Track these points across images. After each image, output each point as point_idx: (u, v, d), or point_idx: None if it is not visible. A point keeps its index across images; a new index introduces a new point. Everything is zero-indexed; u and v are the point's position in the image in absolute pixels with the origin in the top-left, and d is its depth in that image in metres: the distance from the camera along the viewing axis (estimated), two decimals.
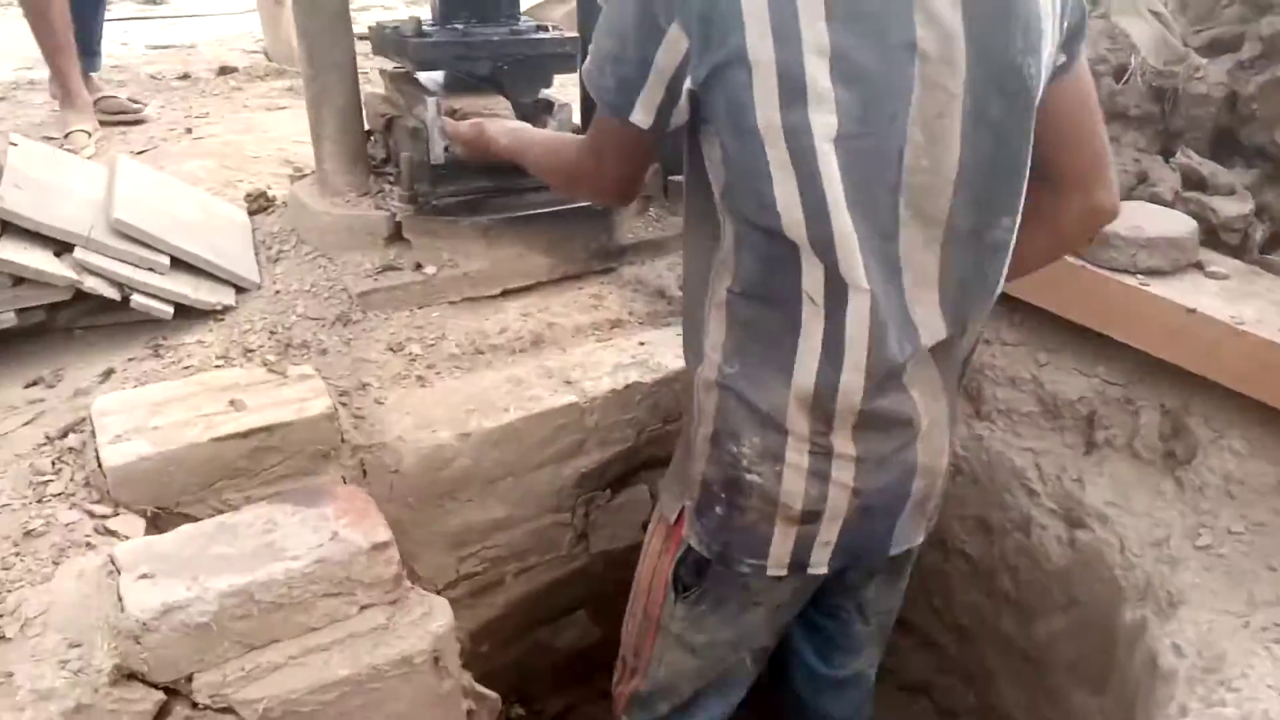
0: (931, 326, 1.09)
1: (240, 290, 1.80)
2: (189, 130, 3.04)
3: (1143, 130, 2.00)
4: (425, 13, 1.96)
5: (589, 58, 1.10)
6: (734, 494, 1.16)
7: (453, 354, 1.73)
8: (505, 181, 1.90)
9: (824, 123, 0.97)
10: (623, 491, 1.81)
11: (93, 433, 1.37)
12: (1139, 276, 1.71)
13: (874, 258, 1.02)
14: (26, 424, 1.48)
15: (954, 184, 1.03)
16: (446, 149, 1.72)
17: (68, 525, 1.27)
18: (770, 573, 1.20)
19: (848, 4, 0.95)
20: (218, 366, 1.61)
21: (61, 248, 1.64)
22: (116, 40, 5.09)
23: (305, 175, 2.12)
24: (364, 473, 1.53)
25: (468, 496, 1.62)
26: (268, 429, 1.40)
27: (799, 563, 1.19)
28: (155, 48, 5.00)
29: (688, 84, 1.01)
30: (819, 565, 1.19)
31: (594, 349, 1.79)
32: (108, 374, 1.60)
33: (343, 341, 1.69)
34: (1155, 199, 1.89)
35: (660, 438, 1.79)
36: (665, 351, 1.77)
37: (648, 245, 2.04)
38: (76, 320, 1.71)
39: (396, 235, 1.86)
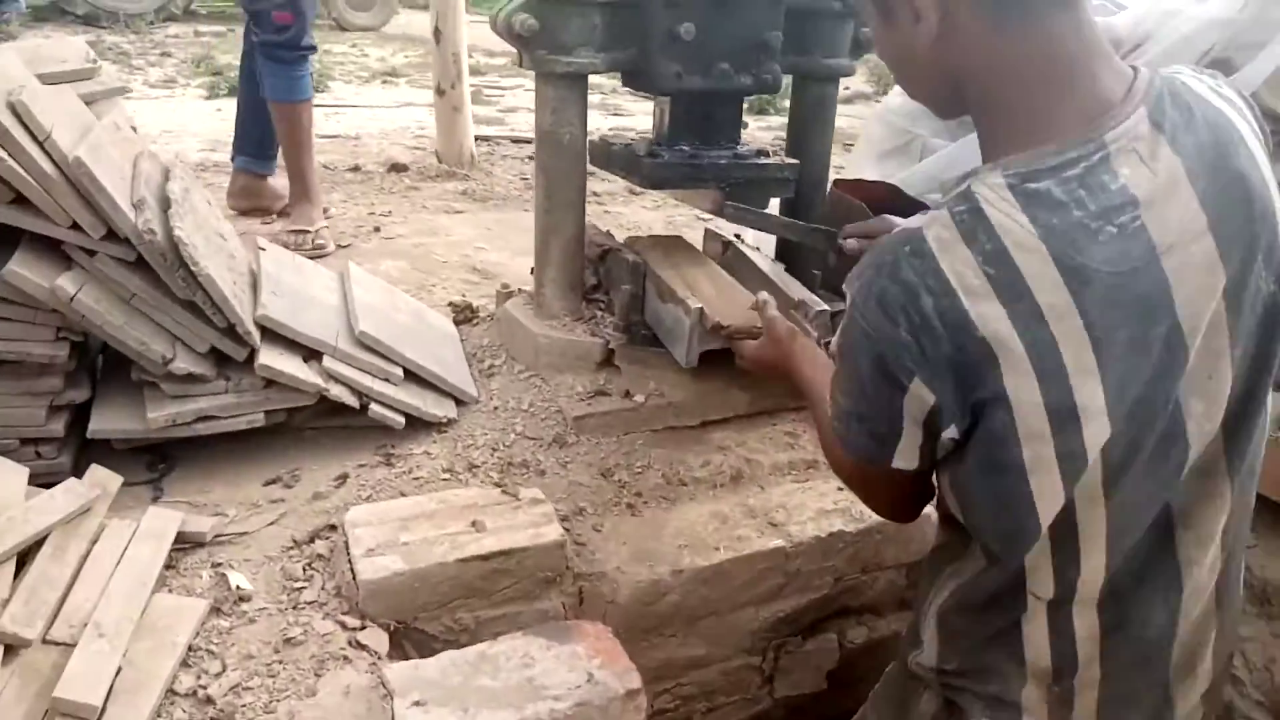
0: None
1: (459, 403, 1.89)
2: (376, 229, 3.23)
3: None
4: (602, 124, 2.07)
5: (833, 422, 1.03)
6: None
7: (658, 484, 1.78)
8: None
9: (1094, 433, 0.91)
10: (812, 638, 1.81)
11: (345, 543, 1.43)
12: None
13: None
14: (271, 524, 1.57)
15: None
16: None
17: (324, 636, 1.33)
18: None
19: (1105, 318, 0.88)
20: (444, 480, 1.69)
21: (309, 354, 1.75)
22: None
23: (512, 292, 2.22)
24: (580, 600, 1.56)
25: (672, 632, 1.64)
26: (506, 553, 1.45)
27: None
28: (322, 137, 5.34)
29: (949, 433, 0.93)
30: None
31: (793, 490, 1.82)
32: (342, 479, 1.68)
33: (559, 464, 1.75)
34: None
35: (855, 587, 1.80)
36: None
37: None
38: (309, 421, 1.81)
39: (607, 361, 1.93)
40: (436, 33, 4.02)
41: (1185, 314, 0.89)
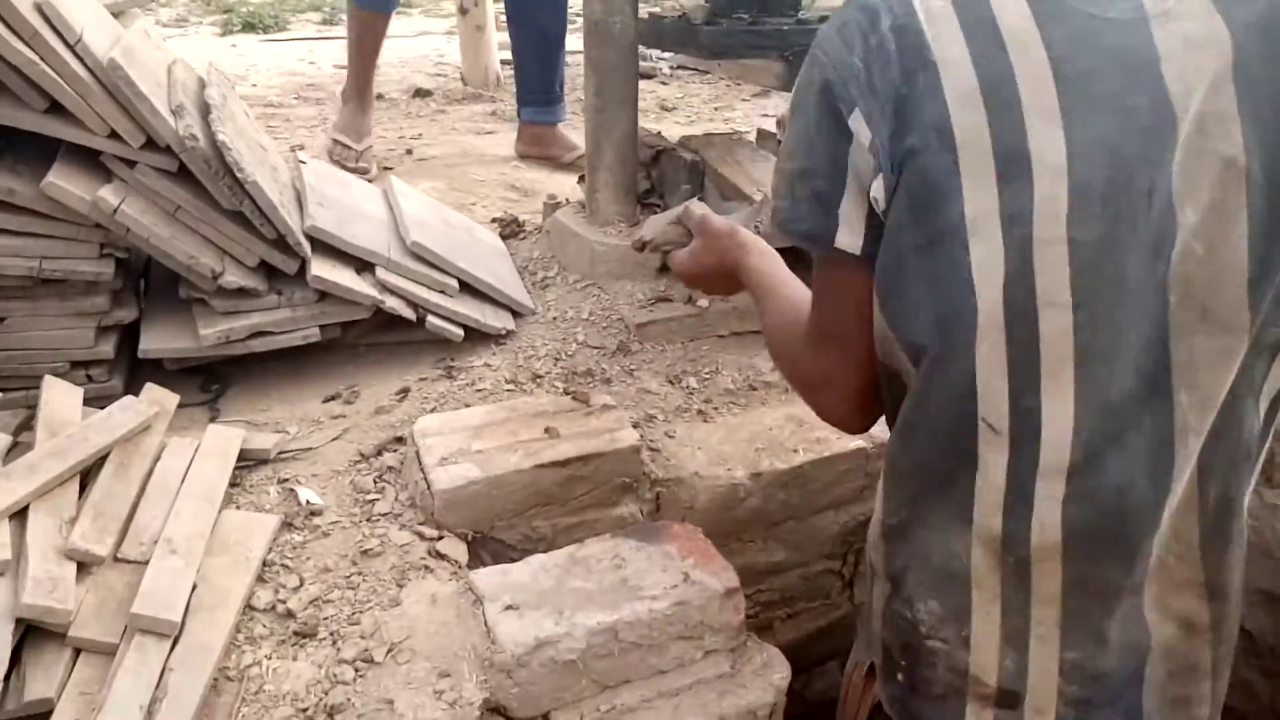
0: None
1: (516, 315, 1.82)
2: (409, 152, 3.14)
3: None
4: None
5: (773, 204, 0.90)
6: (916, 663, 0.93)
7: (728, 389, 1.71)
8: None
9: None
10: None
11: (416, 454, 1.38)
12: None
13: None
14: (335, 439, 1.51)
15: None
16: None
17: (402, 546, 1.28)
18: None
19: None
20: (508, 391, 1.62)
21: (362, 266, 1.68)
22: (304, 60, 5.32)
23: (559, 203, 2.13)
24: (658, 506, 1.50)
25: (751, 538, 1.59)
26: (583, 459, 1.39)
27: None
28: (342, 67, 5.20)
29: (875, 189, 0.82)
30: None
31: None
32: (404, 393, 1.62)
33: (625, 371, 1.68)
34: None
35: None
36: None
37: None
38: (364, 336, 1.75)
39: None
40: None
41: (1175, 91, 0.76)
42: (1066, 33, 0.77)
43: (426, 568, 1.25)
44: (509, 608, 1.10)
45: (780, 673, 1.18)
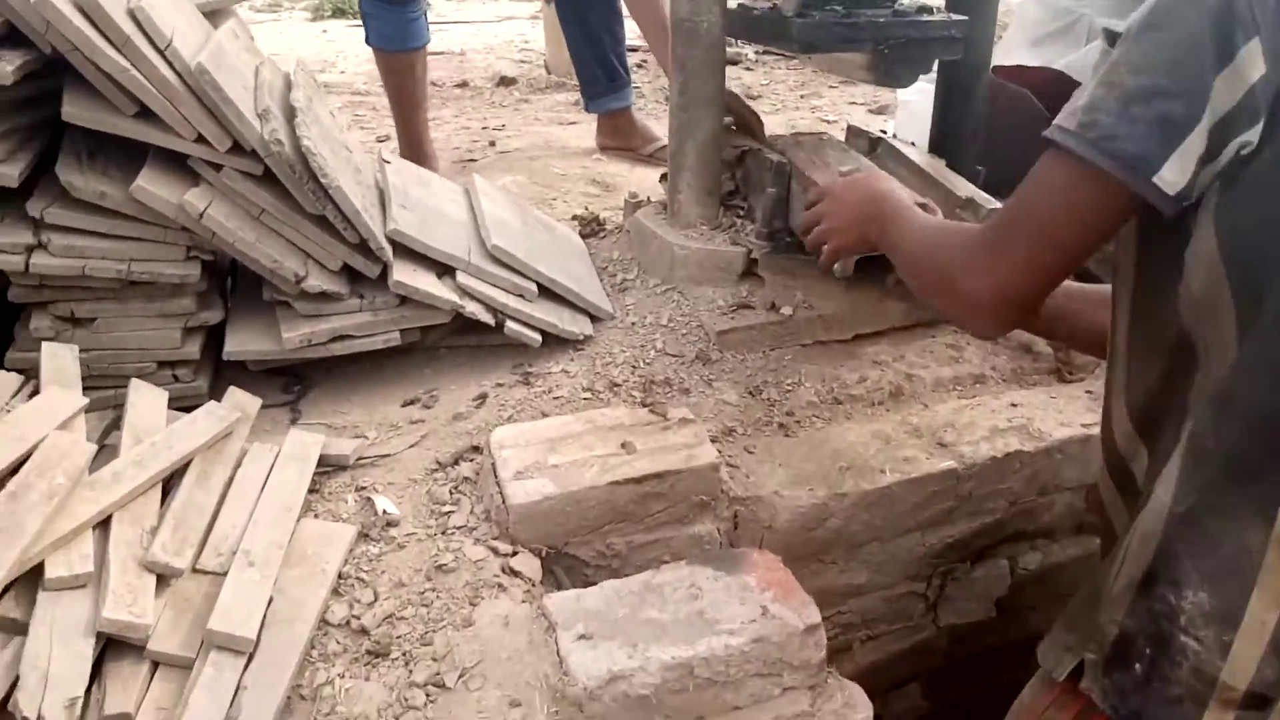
0: None
1: (594, 319, 1.79)
2: (491, 143, 3.13)
3: None
4: None
5: (1087, 116, 0.85)
6: (1162, 653, 0.91)
7: (811, 401, 1.65)
8: None
9: None
10: (981, 564, 1.68)
11: (493, 466, 1.36)
12: None
13: None
14: (412, 446, 1.50)
15: None
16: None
17: (476, 562, 1.26)
18: None
19: None
20: (585, 399, 1.60)
21: (443, 270, 1.67)
22: None
23: (641, 202, 2.09)
24: (735, 525, 1.46)
25: (832, 559, 1.53)
26: (659, 476, 1.35)
27: None
28: (429, 54, 5.24)
29: (1246, 137, 0.80)
30: None
31: (960, 407, 1.67)
32: (481, 399, 1.60)
33: (704, 381, 1.64)
34: None
35: (1031, 510, 1.65)
36: (1044, 416, 1.63)
37: None
38: (443, 340, 1.74)
39: (749, 272, 1.80)
40: None
41: None
42: None
43: (500, 585, 1.23)
44: (582, 637, 1.08)
45: (862, 713, 1.13)
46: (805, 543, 1.48)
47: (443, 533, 1.32)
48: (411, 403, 1.62)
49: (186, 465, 1.28)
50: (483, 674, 1.08)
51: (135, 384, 1.39)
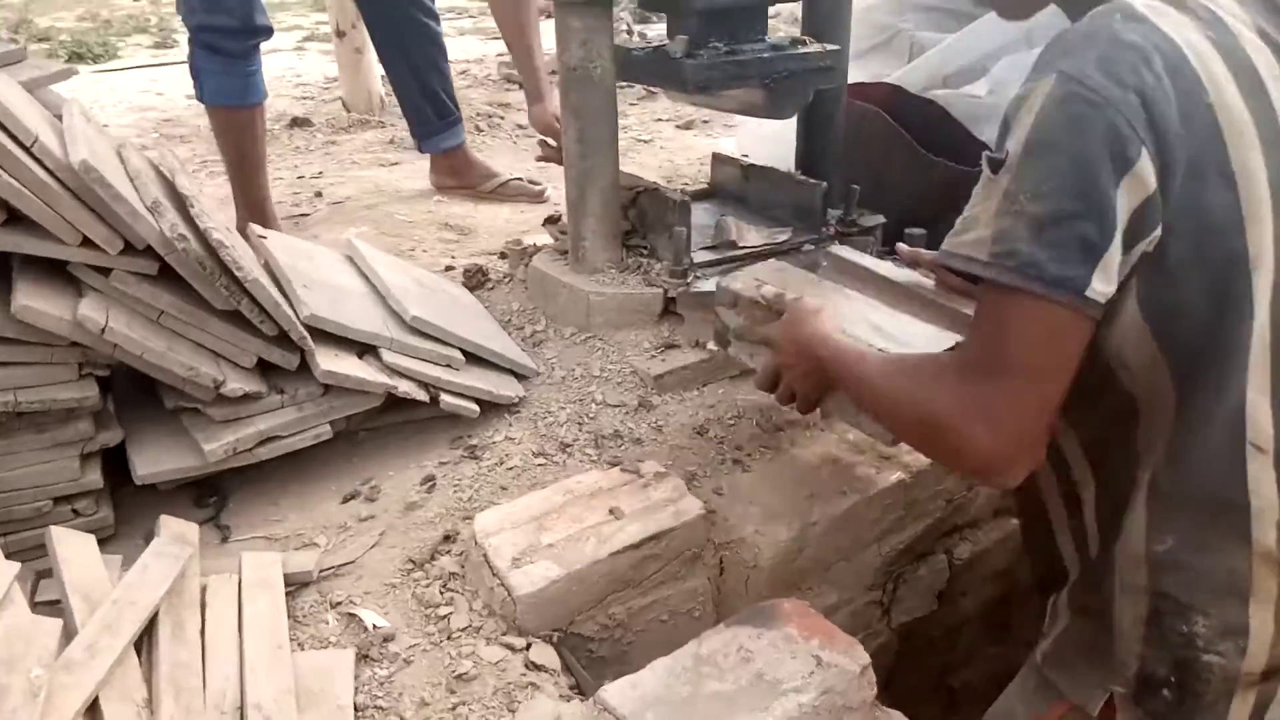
0: None
1: (519, 378, 1.73)
2: (318, 194, 2.96)
3: None
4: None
5: (1001, 246, 0.85)
6: (1190, 678, 0.98)
7: (754, 433, 1.68)
8: (758, 242, 1.88)
9: None
10: (924, 562, 1.77)
11: (485, 557, 1.29)
12: None
13: None
14: (374, 546, 1.40)
15: None
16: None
17: (496, 664, 1.19)
18: None
19: None
20: (540, 465, 1.55)
21: (363, 349, 1.56)
22: (149, 91, 4.95)
23: (527, 248, 2.04)
24: (721, 571, 1.47)
25: (808, 585, 1.57)
26: (656, 537, 1.34)
27: None
28: (191, 97, 4.84)
29: (1151, 238, 0.85)
30: None
31: None
32: (430, 482, 1.52)
33: (652, 429, 1.63)
34: None
35: (962, 504, 1.76)
36: None
37: None
38: (364, 423, 1.63)
39: (667, 310, 1.80)
40: None
41: None
42: None
43: (532, 685, 1.17)
44: None
45: None
46: (786, 575, 1.51)
47: (448, 638, 1.24)
48: (352, 497, 1.51)
49: (151, 621, 1.13)
50: None
51: (57, 534, 1.21)
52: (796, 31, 1.97)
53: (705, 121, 4.02)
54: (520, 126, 3.92)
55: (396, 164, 3.30)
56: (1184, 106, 0.83)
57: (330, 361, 1.47)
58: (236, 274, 1.35)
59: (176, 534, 1.28)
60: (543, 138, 2.33)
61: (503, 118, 4.00)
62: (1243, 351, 0.89)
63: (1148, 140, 0.82)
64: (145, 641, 1.11)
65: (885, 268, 1.54)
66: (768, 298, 1.38)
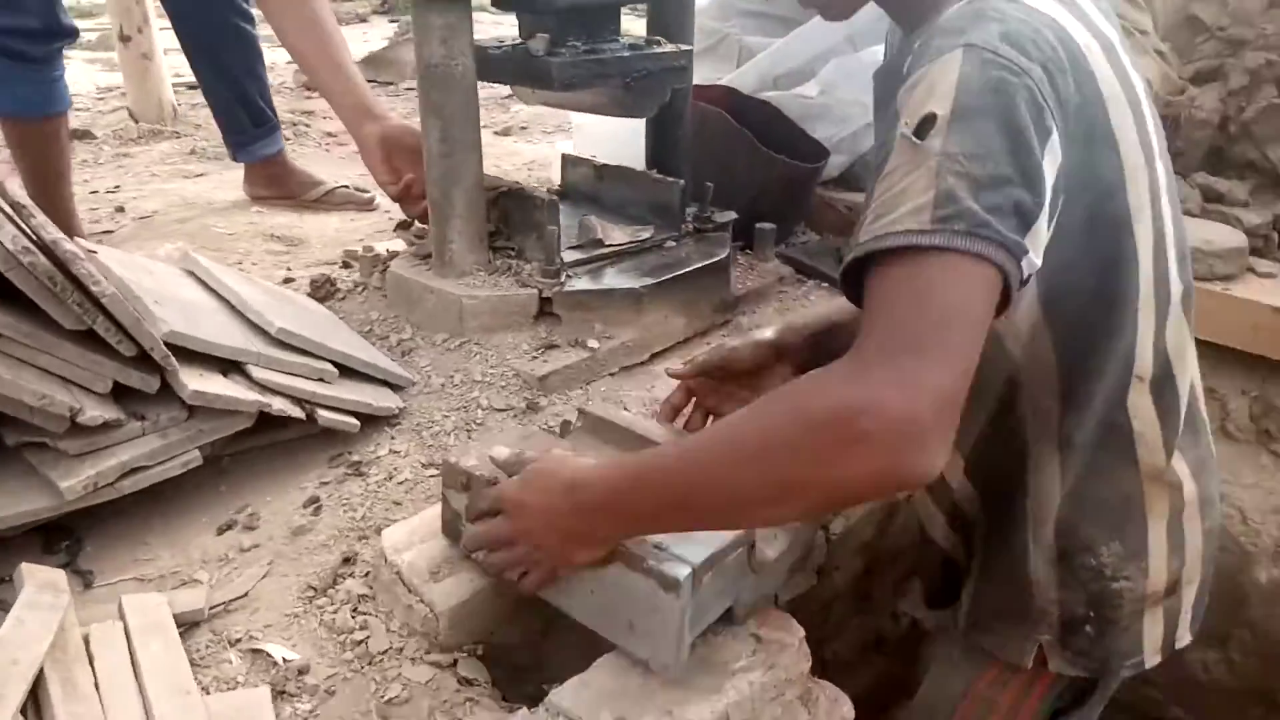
0: None
1: (394, 388, 1.66)
2: (120, 209, 2.71)
3: None
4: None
5: (933, 202, 0.77)
6: (1105, 607, 1.07)
7: None
8: (623, 241, 1.90)
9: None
10: None
11: (398, 574, 1.22)
12: (1217, 283, 1.95)
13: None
14: (265, 577, 1.30)
15: None
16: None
17: (428, 684, 1.14)
18: (1147, 665, 1.13)
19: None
20: (432, 477, 1.48)
21: (226, 367, 1.45)
22: None
23: (378, 256, 1.96)
24: None
25: None
26: None
27: (1169, 644, 1.13)
28: None
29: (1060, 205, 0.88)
30: (1183, 638, 1.15)
31: None
32: (315, 504, 1.42)
33: (544, 429, 1.60)
34: (1187, 214, 2.16)
35: None
36: None
37: (753, 294, 2.07)
38: (227, 447, 1.51)
39: (543, 312, 1.78)
40: None
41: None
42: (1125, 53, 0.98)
43: (470, 700, 1.12)
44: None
45: (846, 705, 1.21)
46: None
47: (369, 663, 1.16)
48: (229, 527, 1.39)
49: (37, 679, 0.99)
50: None
51: None
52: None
53: (523, 128, 4.00)
54: (330, 134, 3.75)
55: (202, 175, 3.07)
56: (1075, 75, 0.87)
57: (196, 381, 1.35)
58: (93, 289, 1.21)
59: (44, 582, 1.13)
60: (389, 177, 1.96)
61: (309, 125, 3.81)
62: (1132, 297, 0.99)
63: (1054, 111, 0.82)
64: (29, 704, 0.98)
65: (647, 426, 1.29)
66: (499, 460, 1.11)
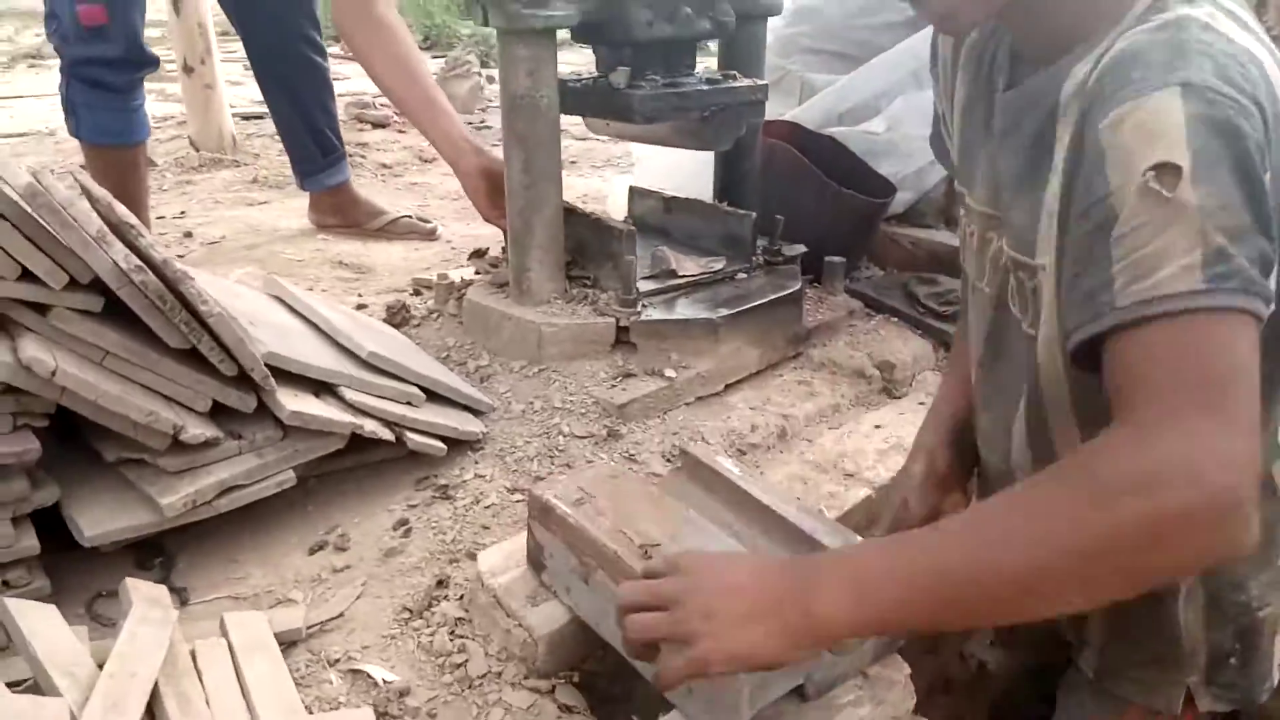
0: None
1: (475, 413, 1.66)
2: (188, 234, 2.76)
3: None
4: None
5: (1190, 265, 0.74)
6: (1250, 638, 1.05)
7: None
8: (696, 272, 1.91)
9: None
10: None
11: (495, 598, 1.22)
12: None
13: None
14: (359, 598, 1.30)
15: None
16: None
17: (529, 709, 1.13)
18: (1276, 681, 1.11)
19: None
20: (518, 501, 1.48)
21: (319, 388, 1.46)
22: None
23: (454, 284, 1.98)
24: None
25: None
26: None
27: None
28: (9, 136, 4.41)
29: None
30: None
31: (838, 437, 1.79)
32: (404, 527, 1.43)
33: (625, 458, 1.60)
34: None
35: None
36: (906, 430, 1.80)
37: (824, 327, 2.06)
38: (315, 469, 1.51)
39: (619, 340, 1.78)
40: (175, 1, 3.44)
41: None
42: None
43: None
44: None
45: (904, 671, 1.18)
46: None
47: (469, 687, 1.16)
48: (320, 548, 1.40)
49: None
50: None
51: (14, 605, 1.05)
52: None
53: (573, 162, 4.04)
54: (385, 166, 3.81)
55: (266, 203, 3.12)
56: (1274, 107, 0.81)
57: (293, 402, 1.37)
58: (200, 309, 1.23)
59: (150, 597, 1.14)
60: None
61: (364, 157, 3.86)
62: None
63: (1270, 149, 0.79)
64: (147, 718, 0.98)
65: (750, 482, 1.24)
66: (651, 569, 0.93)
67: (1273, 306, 0.77)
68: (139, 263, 1.20)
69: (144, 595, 1.14)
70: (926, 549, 0.79)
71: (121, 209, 1.30)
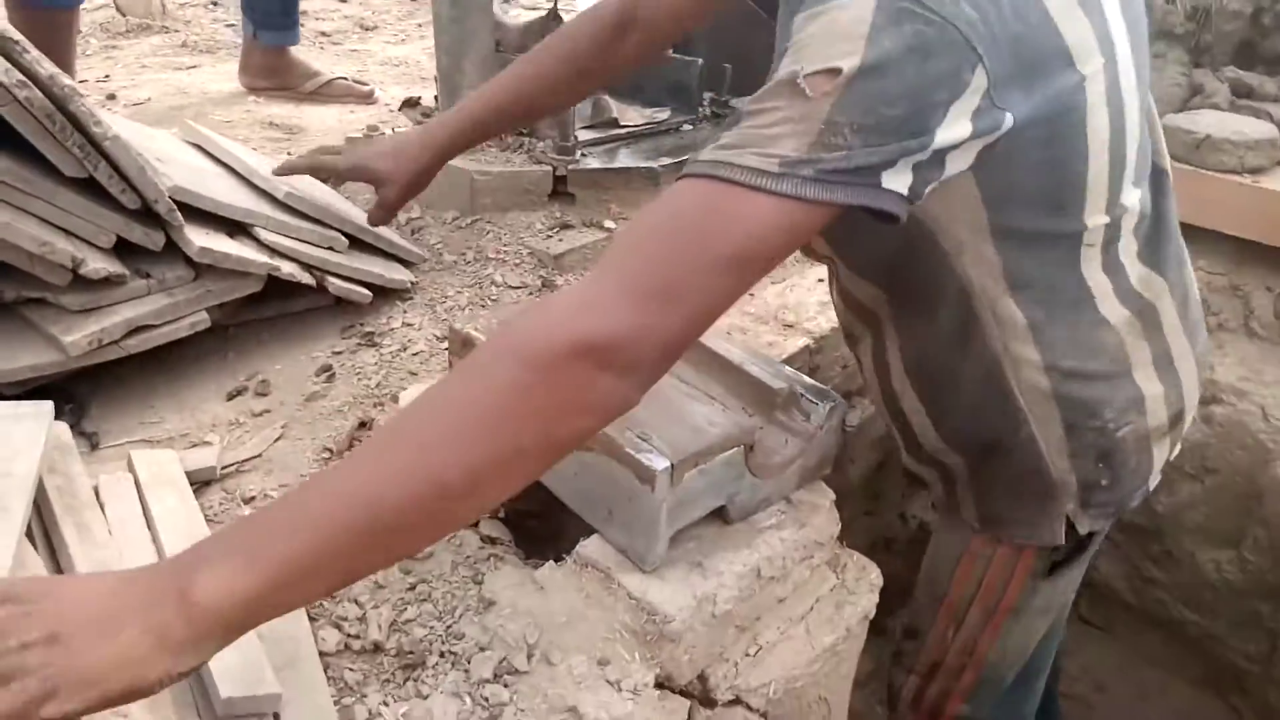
0: None
1: (405, 264, 1.60)
2: (111, 96, 2.61)
3: (1184, 46, 2.21)
4: None
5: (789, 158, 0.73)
6: (1115, 457, 1.04)
7: None
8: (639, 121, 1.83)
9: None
10: None
11: None
12: (1247, 175, 1.90)
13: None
14: (279, 440, 1.26)
15: None
16: None
17: (451, 541, 1.11)
18: (1150, 489, 1.12)
19: None
20: (446, 350, 1.44)
21: (234, 229, 1.39)
22: None
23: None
24: None
25: None
26: None
27: (1162, 465, 1.11)
28: None
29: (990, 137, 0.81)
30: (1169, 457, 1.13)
31: (780, 290, 1.76)
32: (327, 373, 1.38)
33: None
34: (1214, 108, 2.10)
35: (853, 372, 1.80)
36: None
37: None
38: (234, 315, 1.46)
39: (556, 191, 1.72)
40: None
41: None
42: None
43: (495, 557, 1.09)
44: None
45: (874, 572, 1.19)
46: None
47: None
48: (238, 393, 1.35)
49: (49, 519, 0.96)
50: (553, 644, 0.96)
51: None
52: None
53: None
54: (324, 34, 3.63)
55: (195, 66, 2.97)
56: (1016, 4, 0.77)
57: (203, 239, 1.30)
58: (94, 130, 1.15)
59: (26, 413, 1.09)
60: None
61: (302, 25, 3.67)
62: (1080, 192, 0.90)
63: (986, 54, 0.74)
64: (45, 549, 0.94)
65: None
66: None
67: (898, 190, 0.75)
68: (21, 77, 1.11)
69: (19, 410, 1.08)
70: (345, 473, 0.70)
71: (4, 26, 1.20)
